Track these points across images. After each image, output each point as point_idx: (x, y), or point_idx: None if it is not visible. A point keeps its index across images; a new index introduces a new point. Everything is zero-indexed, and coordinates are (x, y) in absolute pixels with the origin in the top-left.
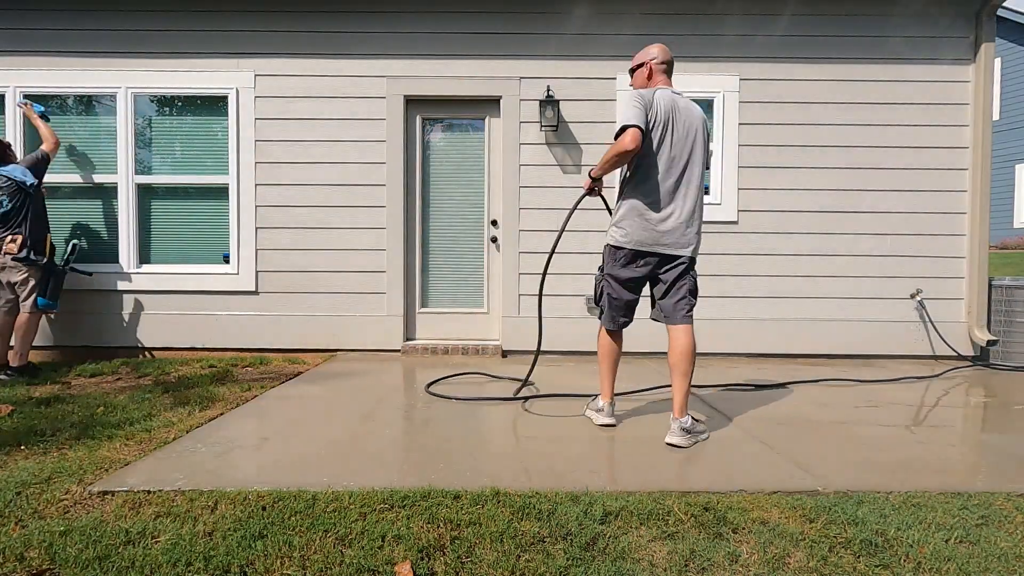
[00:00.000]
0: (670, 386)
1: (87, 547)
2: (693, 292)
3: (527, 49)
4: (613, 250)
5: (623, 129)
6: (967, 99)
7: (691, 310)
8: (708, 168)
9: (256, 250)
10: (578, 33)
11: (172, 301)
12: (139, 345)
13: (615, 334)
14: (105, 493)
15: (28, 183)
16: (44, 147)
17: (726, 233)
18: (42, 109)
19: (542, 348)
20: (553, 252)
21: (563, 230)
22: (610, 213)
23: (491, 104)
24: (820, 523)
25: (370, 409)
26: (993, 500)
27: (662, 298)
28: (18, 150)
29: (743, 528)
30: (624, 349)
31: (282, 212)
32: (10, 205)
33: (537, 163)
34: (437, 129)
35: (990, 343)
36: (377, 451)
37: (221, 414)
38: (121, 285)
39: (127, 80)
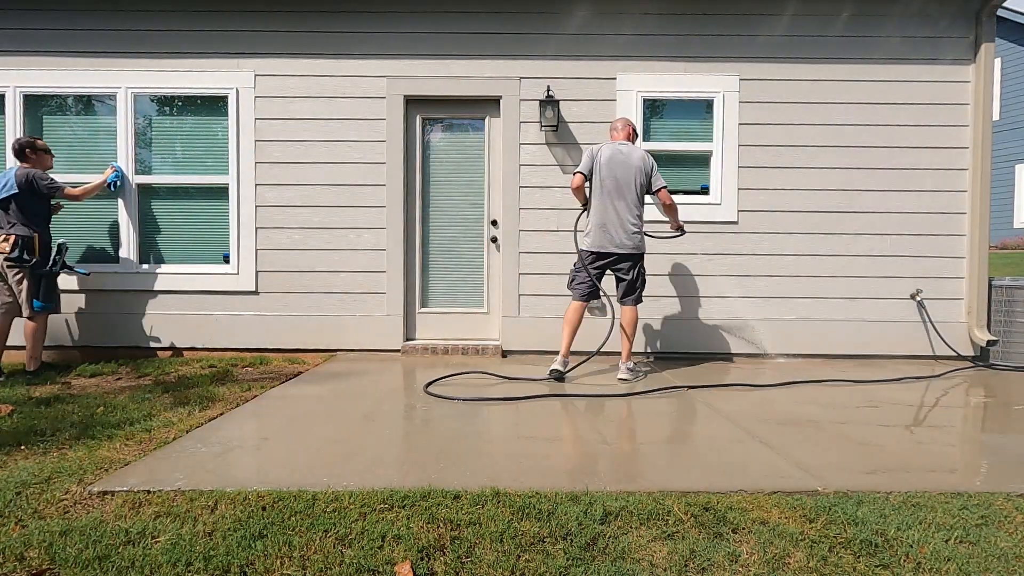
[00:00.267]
0: (678, 387)
1: (87, 547)
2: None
3: (527, 49)
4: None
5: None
6: (967, 99)
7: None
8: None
9: (256, 250)
10: (578, 33)
11: (172, 301)
12: (139, 345)
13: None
14: (105, 493)
15: (8, 188)
16: (68, 189)
17: (726, 233)
18: (116, 179)
19: (542, 348)
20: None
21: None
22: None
23: (491, 104)
24: (820, 523)
25: (370, 409)
26: (993, 500)
27: None
28: None
29: (743, 528)
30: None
31: (282, 212)
32: (5, 196)
33: (537, 163)
34: (437, 129)
35: (990, 343)
36: (377, 451)
37: (221, 414)
38: (121, 285)
39: (127, 80)
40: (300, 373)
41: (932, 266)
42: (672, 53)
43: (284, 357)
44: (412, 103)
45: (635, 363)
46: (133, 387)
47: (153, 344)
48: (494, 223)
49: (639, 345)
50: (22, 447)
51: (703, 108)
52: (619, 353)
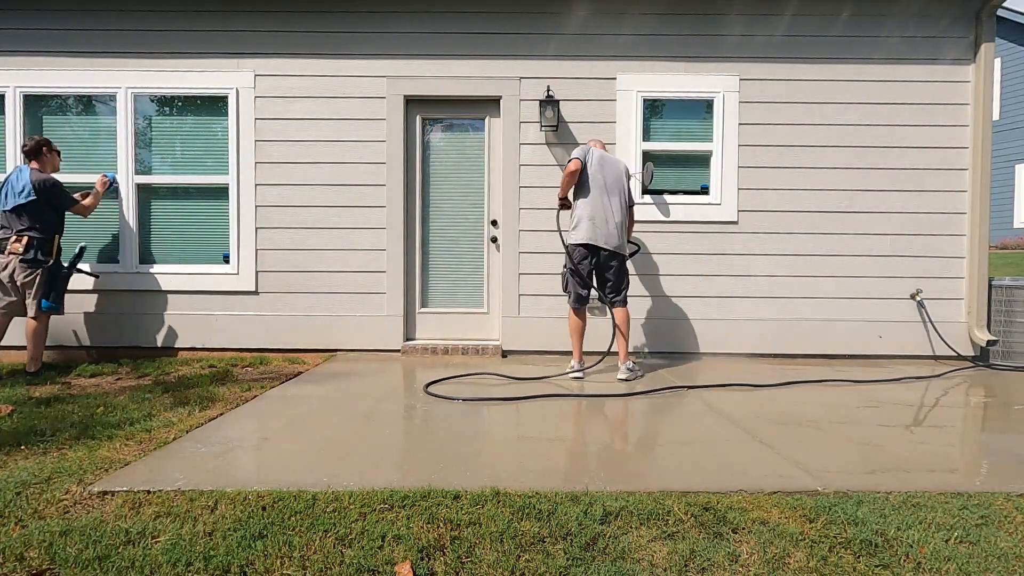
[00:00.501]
0: (678, 387)
1: (87, 547)
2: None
3: (527, 49)
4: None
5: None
6: (967, 99)
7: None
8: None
9: (256, 250)
10: (578, 33)
11: (172, 301)
12: (139, 345)
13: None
14: (105, 493)
15: (26, 194)
16: (84, 202)
17: (726, 233)
18: (112, 181)
19: (542, 348)
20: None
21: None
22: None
23: (491, 104)
24: (820, 523)
25: (370, 409)
26: (993, 500)
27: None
28: (18, 151)
29: (743, 528)
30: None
31: (282, 212)
32: (22, 202)
33: (537, 163)
34: (437, 129)
35: (990, 343)
36: (377, 451)
37: (221, 414)
38: (120, 285)
39: (127, 80)
40: (300, 373)
41: (932, 266)
42: (672, 53)
43: (284, 357)
44: (412, 103)
45: (633, 362)
46: (133, 387)
47: (153, 344)
48: (494, 223)
49: (639, 345)
50: (22, 447)
51: (703, 108)
52: (618, 354)
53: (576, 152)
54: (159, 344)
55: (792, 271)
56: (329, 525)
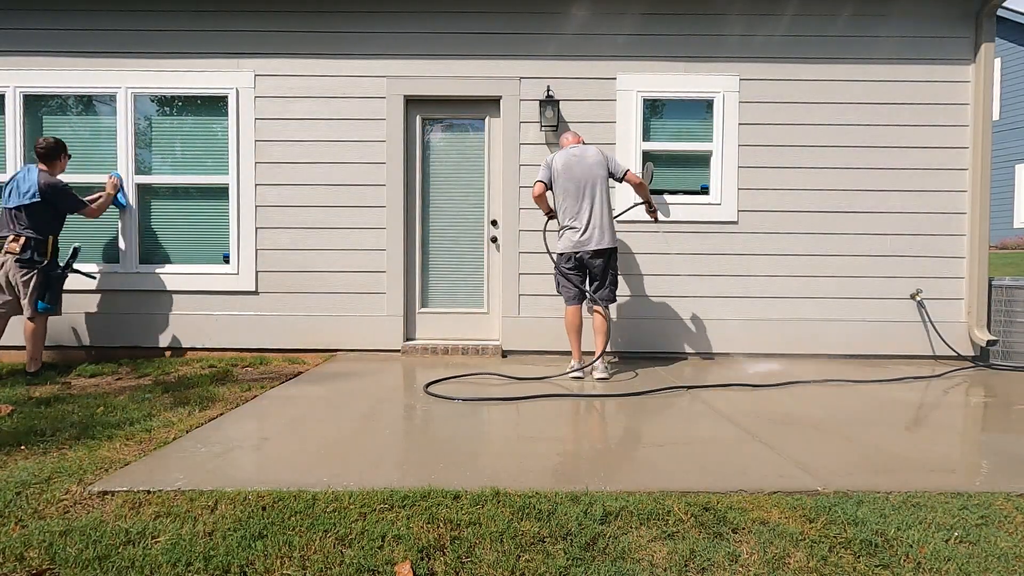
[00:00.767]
0: (677, 387)
1: (87, 547)
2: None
3: (527, 49)
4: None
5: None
6: (967, 99)
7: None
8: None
9: (256, 250)
10: (578, 33)
11: (172, 301)
12: (139, 345)
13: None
14: (105, 493)
15: (31, 195)
16: (93, 205)
17: (726, 233)
18: (123, 202)
19: (542, 348)
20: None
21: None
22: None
23: (491, 104)
24: (820, 523)
25: (370, 409)
26: (993, 500)
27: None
28: (18, 151)
29: (743, 528)
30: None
31: (282, 212)
32: (26, 203)
33: (537, 163)
34: (437, 129)
35: (990, 343)
36: (377, 451)
37: (221, 414)
38: (121, 285)
39: (127, 80)
40: (300, 373)
41: (932, 266)
42: (672, 53)
43: (284, 357)
44: (412, 103)
45: (607, 363)
46: (133, 387)
47: (153, 344)
48: (494, 223)
49: (640, 345)
50: (22, 447)
51: (703, 108)
52: (619, 353)
53: (539, 173)
54: (159, 344)
55: (792, 271)
56: (329, 525)
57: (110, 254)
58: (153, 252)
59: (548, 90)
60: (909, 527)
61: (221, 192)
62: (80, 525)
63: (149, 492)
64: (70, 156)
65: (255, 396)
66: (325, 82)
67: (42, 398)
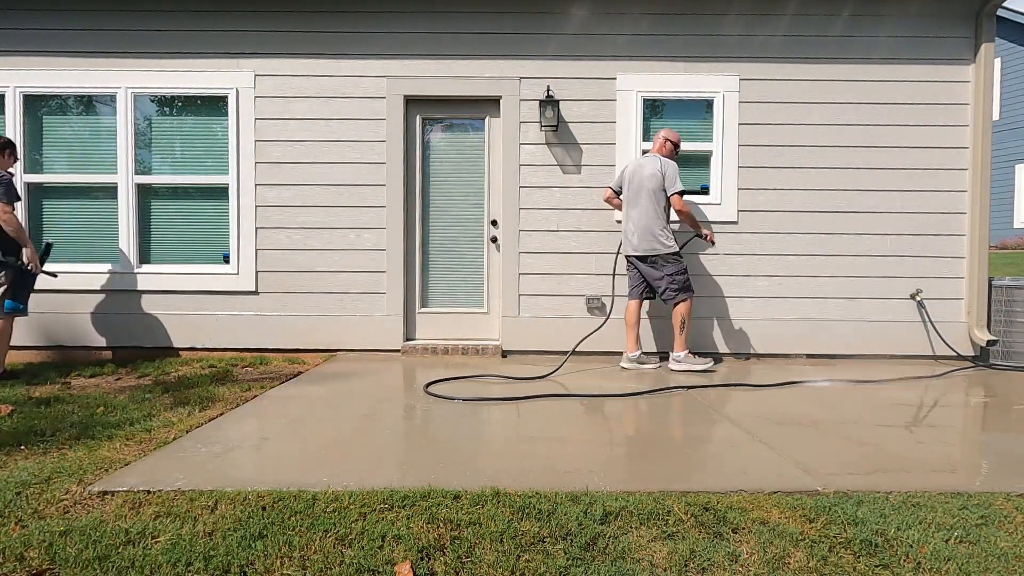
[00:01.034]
0: (674, 387)
1: (87, 547)
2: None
3: (527, 49)
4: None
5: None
6: (967, 99)
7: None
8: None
9: (256, 250)
10: (578, 33)
11: (172, 301)
12: (139, 345)
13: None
14: (105, 493)
15: None
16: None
17: (726, 233)
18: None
19: (542, 348)
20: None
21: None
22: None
23: (491, 104)
24: (820, 523)
25: (370, 409)
26: (993, 500)
27: None
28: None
29: (743, 528)
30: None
31: (282, 212)
32: None
33: (537, 163)
34: (437, 129)
35: (990, 343)
36: (377, 451)
37: (221, 414)
38: (121, 285)
39: (127, 80)
40: (300, 373)
41: (932, 266)
42: (672, 53)
43: (284, 357)
44: (412, 103)
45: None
46: (133, 387)
47: (153, 344)
48: (494, 223)
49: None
50: (22, 447)
51: (703, 108)
52: (619, 353)
53: (612, 182)
54: (159, 344)
55: (792, 271)
56: (329, 525)
57: (110, 254)
58: (153, 252)
59: (548, 90)
60: (909, 527)
61: (221, 192)
62: (80, 525)
63: (149, 492)
64: (16, 159)
65: (255, 396)
66: (325, 82)
67: (42, 398)
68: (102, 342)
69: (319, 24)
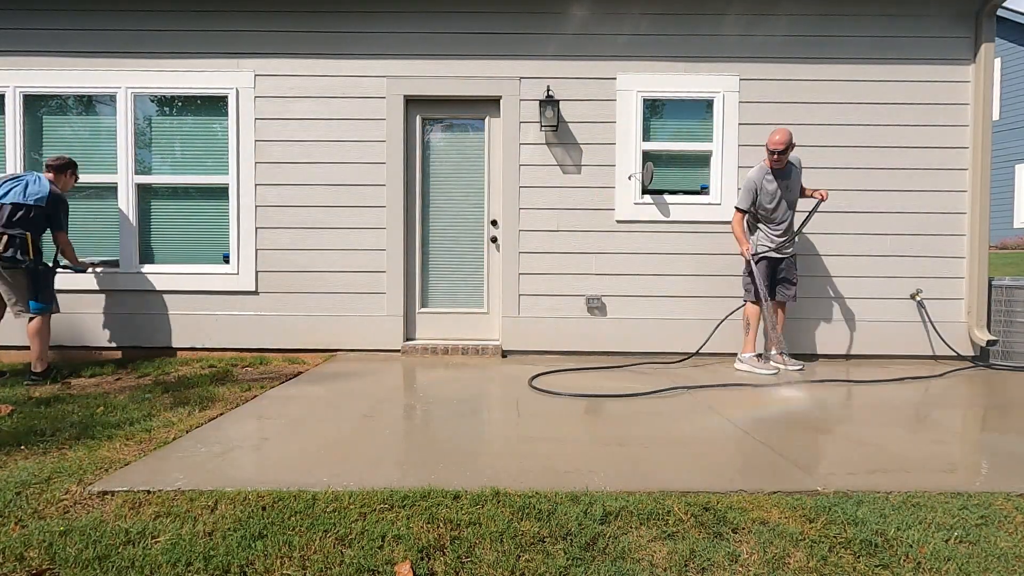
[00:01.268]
0: (674, 387)
1: (87, 547)
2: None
3: (527, 49)
4: None
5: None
6: (967, 99)
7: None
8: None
9: (256, 250)
10: (578, 33)
11: (172, 301)
12: (139, 345)
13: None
14: (105, 493)
15: (37, 198)
16: (66, 238)
17: (726, 233)
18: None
19: (542, 349)
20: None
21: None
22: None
23: (491, 104)
24: (820, 523)
25: (370, 409)
26: (993, 500)
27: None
28: (18, 151)
29: (743, 528)
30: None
31: (282, 212)
32: (23, 202)
33: (537, 163)
34: (437, 129)
35: (990, 343)
36: (377, 451)
37: (221, 414)
38: (120, 285)
39: (127, 80)
40: (300, 373)
41: (932, 266)
42: (672, 53)
43: (284, 357)
44: (412, 103)
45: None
46: (133, 387)
47: (153, 344)
48: (494, 223)
49: (636, 346)
50: (22, 447)
51: (703, 108)
52: (619, 353)
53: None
54: (159, 344)
55: None
56: (329, 525)
57: (110, 254)
58: (153, 252)
59: (548, 90)
60: (909, 527)
61: (221, 192)
62: (80, 525)
63: (149, 492)
64: (77, 179)
65: (255, 396)
66: (325, 82)
67: (42, 398)
68: (102, 342)
69: (319, 24)
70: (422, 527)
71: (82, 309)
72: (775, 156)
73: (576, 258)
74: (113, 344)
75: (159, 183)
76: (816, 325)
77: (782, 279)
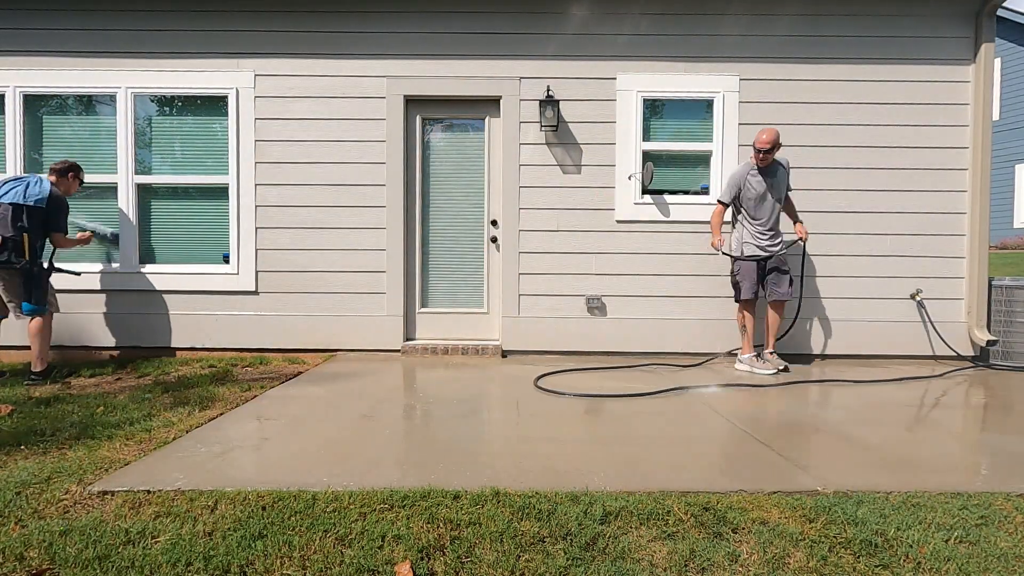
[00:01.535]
0: (674, 388)
1: (87, 547)
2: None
3: (527, 49)
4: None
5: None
6: (967, 99)
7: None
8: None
9: (256, 250)
10: (578, 33)
11: (172, 301)
12: (139, 345)
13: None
14: (105, 493)
15: (37, 200)
16: (67, 236)
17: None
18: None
19: (541, 349)
20: None
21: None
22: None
23: (491, 104)
24: (820, 523)
25: (370, 409)
26: (993, 500)
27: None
28: (18, 151)
29: (743, 528)
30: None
31: (282, 212)
32: (23, 203)
33: (537, 163)
34: (437, 129)
35: (990, 343)
36: (377, 451)
37: (221, 414)
38: (120, 285)
39: (127, 80)
40: (300, 373)
41: (932, 266)
42: (672, 53)
43: (284, 357)
44: (412, 103)
45: (756, 354)
46: (133, 387)
47: (153, 344)
48: (494, 223)
49: (637, 346)
50: (22, 447)
51: (703, 108)
52: (618, 353)
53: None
54: (159, 344)
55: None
56: (329, 525)
57: (110, 254)
58: (153, 252)
59: (548, 90)
60: (909, 527)
61: (221, 192)
62: (80, 525)
63: (149, 492)
64: (82, 183)
65: (255, 396)
66: (325, 82)
67: (42, 398)
68: (102, 342)
69: (319, 24)
70: (422, 527)
71: (82, 309)
72: (760, 155)
73: (576, 258)
74: (113, 344)
75: (159, 183)
76: (816, 325)
77: (771, 278)
